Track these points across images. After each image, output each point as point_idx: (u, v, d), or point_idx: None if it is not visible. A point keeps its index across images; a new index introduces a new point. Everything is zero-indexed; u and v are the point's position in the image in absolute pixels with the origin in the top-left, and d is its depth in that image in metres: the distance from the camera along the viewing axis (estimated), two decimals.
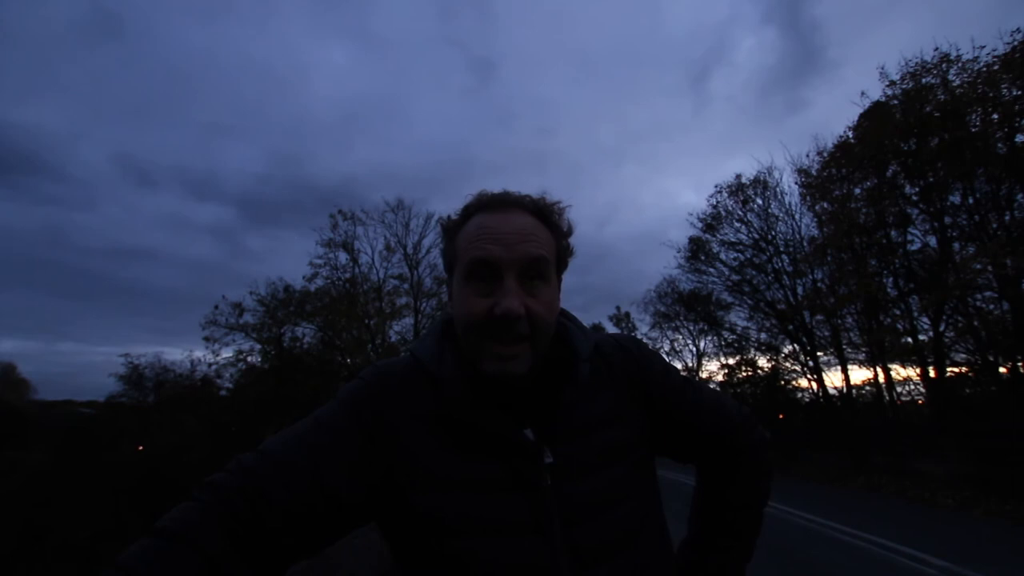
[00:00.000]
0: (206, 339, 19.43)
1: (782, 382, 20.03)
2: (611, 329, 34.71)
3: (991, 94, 10.28)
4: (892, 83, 12.08)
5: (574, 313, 0.80)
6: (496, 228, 0.65)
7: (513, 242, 0.64)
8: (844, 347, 16.17)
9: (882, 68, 12.25)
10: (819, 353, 17.42)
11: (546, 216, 0.71)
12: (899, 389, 14.88)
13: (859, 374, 19.47)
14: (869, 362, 15.43)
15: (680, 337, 28.41)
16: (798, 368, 19.11)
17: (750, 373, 22.23)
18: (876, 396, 15.85)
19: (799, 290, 17.70)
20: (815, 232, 16.19)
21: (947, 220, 11.92)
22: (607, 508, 0.64)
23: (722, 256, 20.18)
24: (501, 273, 0.63)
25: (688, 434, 0.78)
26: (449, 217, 0.74)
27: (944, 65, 11.22)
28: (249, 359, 19.74)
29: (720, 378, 25.08)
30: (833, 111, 53.40)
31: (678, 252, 21.66)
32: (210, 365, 19.29)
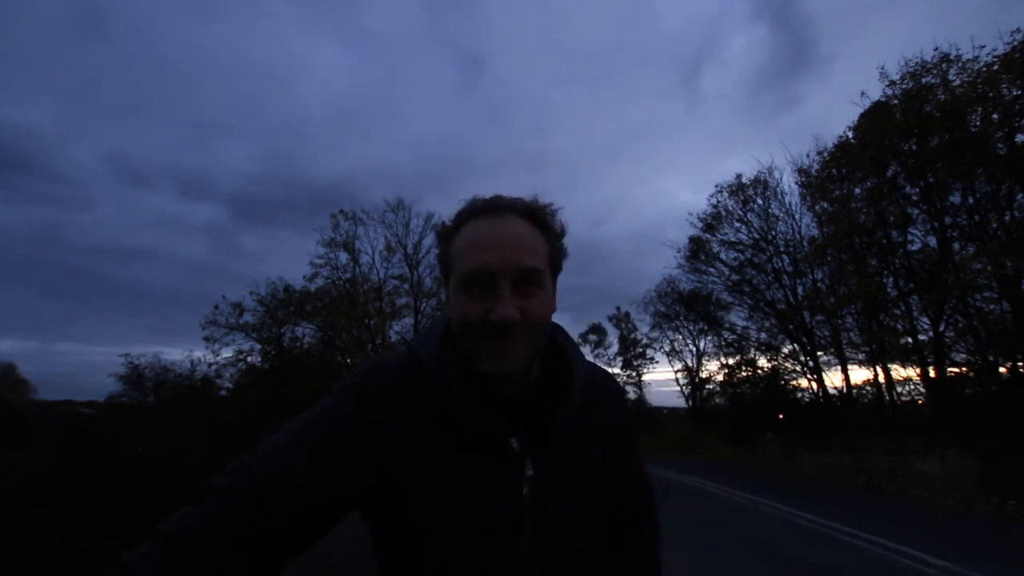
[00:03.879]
0: (206, 339, 19.46)
1: (782, 382, 20.03)
2: (610, 329, 34.94)
3: (991, 94, 10.29)
4: (892, 83, 12.11)
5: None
6: (489, 236, 0.67)
7: (507, 250, 0.66)
8: (844, 347, 16.17)
9: (882, 68, 12.29)
10: (819, 353, 17.42)
11: (539, 219, 0.72)
12: (899, 389, 14.90)
13: (859, 374, 19.44)
14: (869, 362, 15.43)
15: (680, 337, 28.46)
16: (798, 368, 19.12)
17: (750, 373, 22.25)
18: (876, 396, 15.84)
19: (799, 290, 17.71)
20: (815, 232, 16.22)
21: (947, 220, 11.93)
22: (575, 524, 0.68)
23: (722, 256, 20.22)
24: (496, 281, 0.65)
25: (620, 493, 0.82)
26: (443, 223, 0.76)
27: (944, 65, 11.23)
28: (249, 359, 19.75)
29: (720, 378, 25.10)
30: (827, 107, 53.22)
31: (678, 252, 21.72)
32: (210, 365, 19.27)
